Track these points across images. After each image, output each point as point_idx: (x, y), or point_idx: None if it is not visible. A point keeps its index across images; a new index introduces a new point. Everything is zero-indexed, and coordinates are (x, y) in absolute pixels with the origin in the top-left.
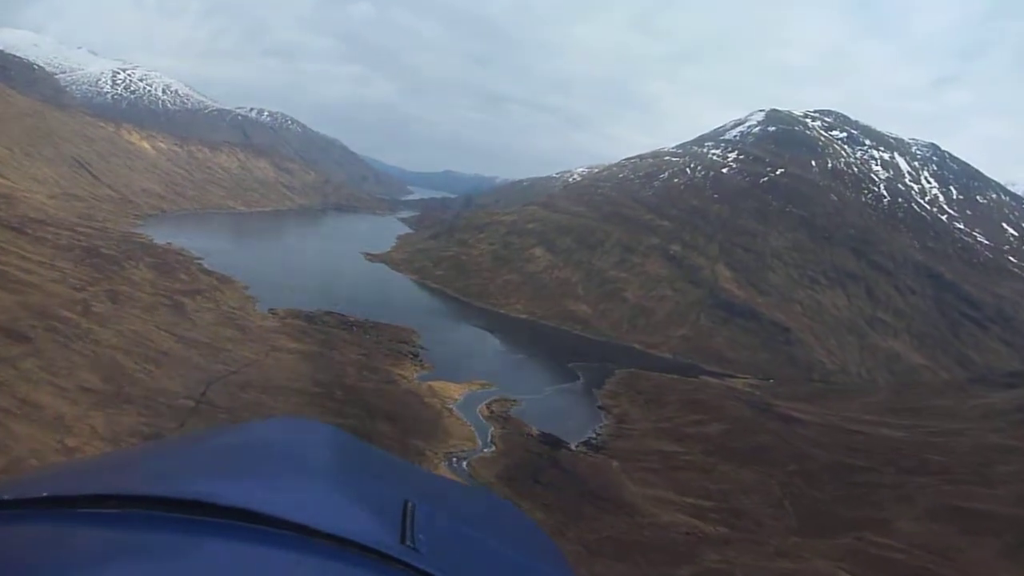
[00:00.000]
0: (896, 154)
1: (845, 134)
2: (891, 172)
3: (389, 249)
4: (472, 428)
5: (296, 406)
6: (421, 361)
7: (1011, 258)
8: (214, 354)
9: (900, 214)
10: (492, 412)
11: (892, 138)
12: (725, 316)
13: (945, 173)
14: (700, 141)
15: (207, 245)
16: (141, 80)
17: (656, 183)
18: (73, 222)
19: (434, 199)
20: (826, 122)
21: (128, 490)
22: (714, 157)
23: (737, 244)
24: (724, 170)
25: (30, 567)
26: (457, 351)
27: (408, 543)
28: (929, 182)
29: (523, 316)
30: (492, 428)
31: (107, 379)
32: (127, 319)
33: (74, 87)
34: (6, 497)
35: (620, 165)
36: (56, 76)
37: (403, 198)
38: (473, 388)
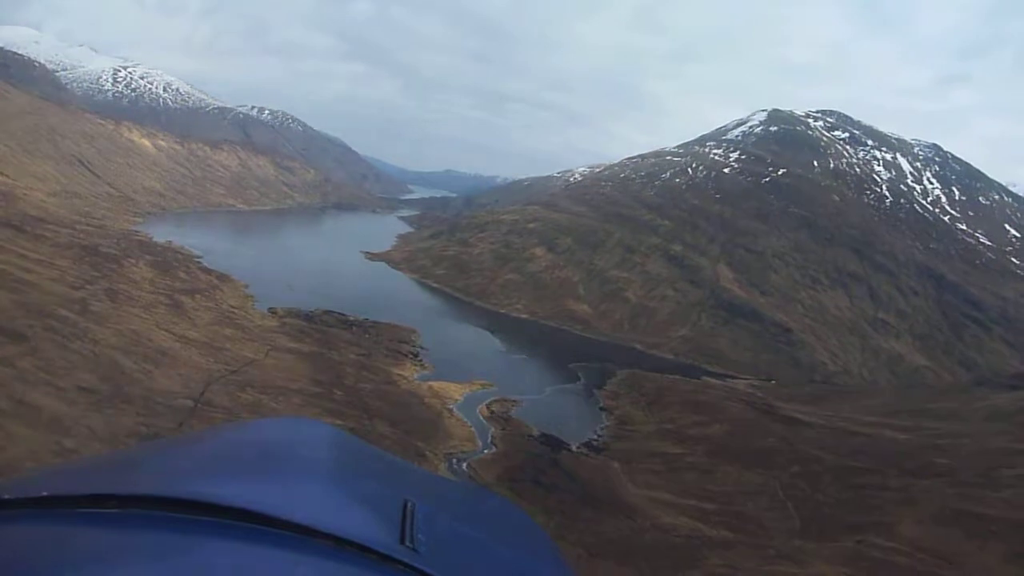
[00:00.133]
0: (898, 154)
1: (847, 134)
2: (893, 173)
3: (389, 248)
4: (472, 429)
5: (295, 406)
6: (421, 361)
7: (1013, 259)
8: (213, 353)
9: (902, 215)
10: (493, 413)
11: (894, 138)
12: (726, 316)
13: (947, 174)
14: (702, 141)
15: (207, 243)
16: (142, 78)
17: (657, 183)
18: (73, 220)
19: (434, 198)
20: (828, 122)
21: (128, 490)
22: (716, 157)
23: (739, 244)
24: (726, 170)
25: (30, 567)
26: (457, 351)
27: (408, 543)
28: (931, 183)
29: (524, 316)
30: (493, 429)
31: (105, 379)
32: (126, 318)
33: (75, 84)
34: (6, 497)
35: (621, 165)
36: (57, 73)
37: (403, 197)
38: (473, 388)
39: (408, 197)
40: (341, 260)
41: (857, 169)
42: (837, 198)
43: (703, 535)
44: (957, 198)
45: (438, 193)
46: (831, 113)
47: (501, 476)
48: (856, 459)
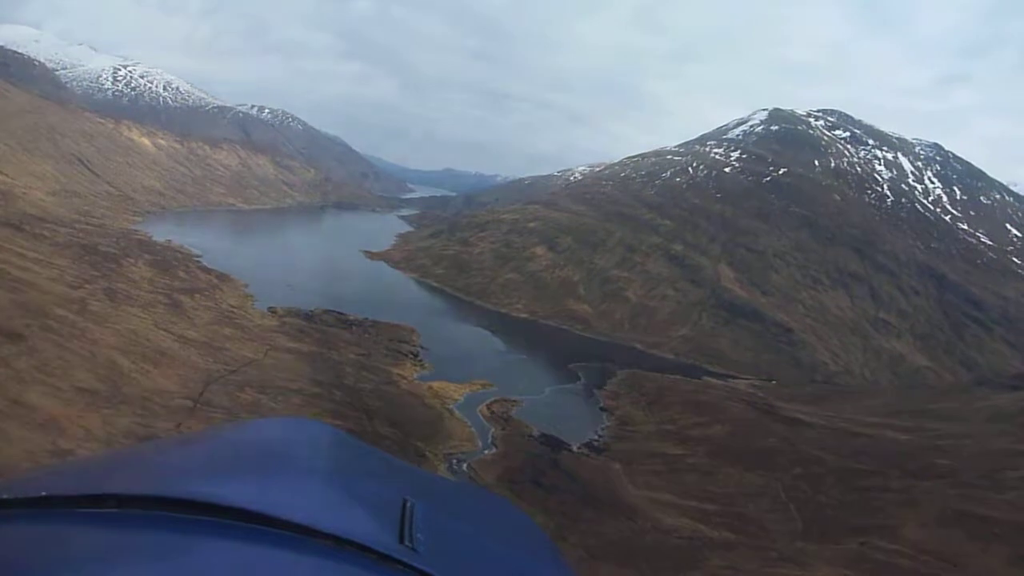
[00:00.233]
0: (899, 154)
1: (848, 134)
2: (894, 172)
3: (389, 247)
4: (473, 429)
5: (295, 407)
6: (421, 361)
7: (1015, 259)
8: (212, 353)
9: (903, 214)
10: (493, 413)
11: (895, 138)
12: (727, 316)
13: (948, 173)
14: (702, 140)
15: (206, 242)
16: (142, 77)
17: (658, 182)
18: (72, 219)
19: (434, 197)
20: (829, 121)
21: (127, 490)
22: (716, 156)
23: (739, 244)
24: (727, 169)
25: (29, 567)
26: (457, 351)
27: (407, 543)
28: (932, 182)
29: (524, 315)
30: (493, 429)
31: (103, 379)
32: (124, 317)
33: (75, 83)
34: (5, 497)
35: (622, 164)
36: (57, 72)
37: (403, 196)
38: (474, 388)
39: (408, 196)
40: (341, 259)
41: (858, 168)
42: (838, 197)
43: (704, 536)
44: (958, 198)
45: (438, 192)
46: (832, 112)
47: (501, 477)
48: (858, 460)
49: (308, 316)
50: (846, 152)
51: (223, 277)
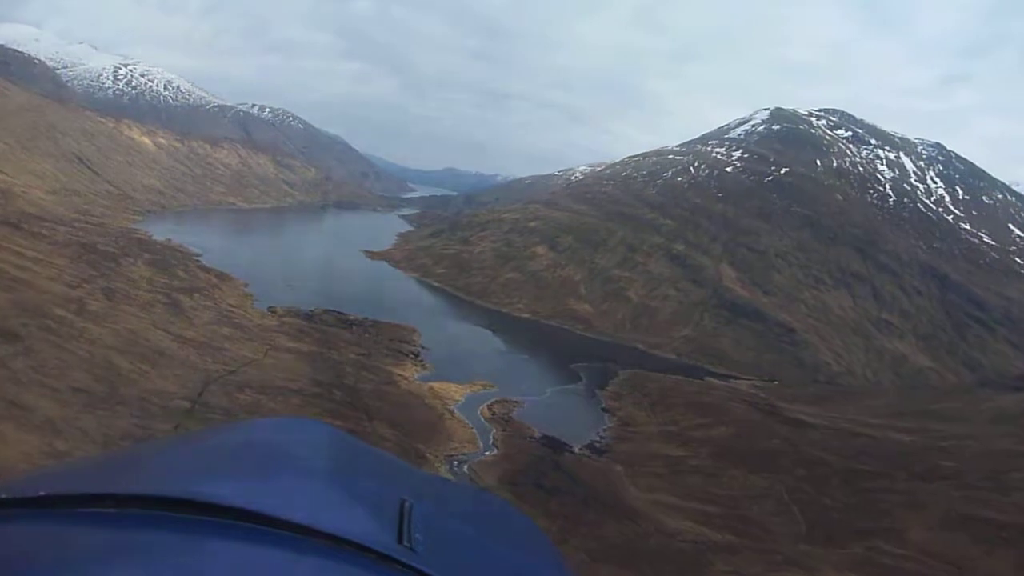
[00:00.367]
0: (902, 154)
1: (850, 133)
2: (896, 172)
3: (390, 247)
4: (474, 430)
5: (294, 408)
6: (422, 361)
7: (1017, 259)
8: (211, 353)
9: (905, 214)
10: (494, 414)
11: (898, 137)
12: (729, 316)
13: (951, 173)
14: (704, 139)
15: (206, 241)
16: (143, 76)
17: (659, 182)
18: (71, 218)
19: (435, 197)
20: (831, 121)
21: (125, 489)
22: (718, 156)
23: (741, 244)
24: (728, 169)
25: (28, 567)
26: (458, 351)
27: (405, 543)
28: (935, 182)
29: (525, 315)
30: (494, 430)
31: (100, 379)
32: (123, 317)
33: (75, 82)
34: (3, 497)
35: (623, 163)
36: (57, 71)
37: (404, 195)
38: (475, 389)
39: (409, 195)
40: (341, 259)
41: (860, 168)
42: (840, 197)
43: (708, 540)
44: (961, 197)
45: (439, 191)
46: (834, 112)
47: (502, 478)
48: (862, 462)
49: (308, 316)
50: (848, 152)
51: (223, 276)
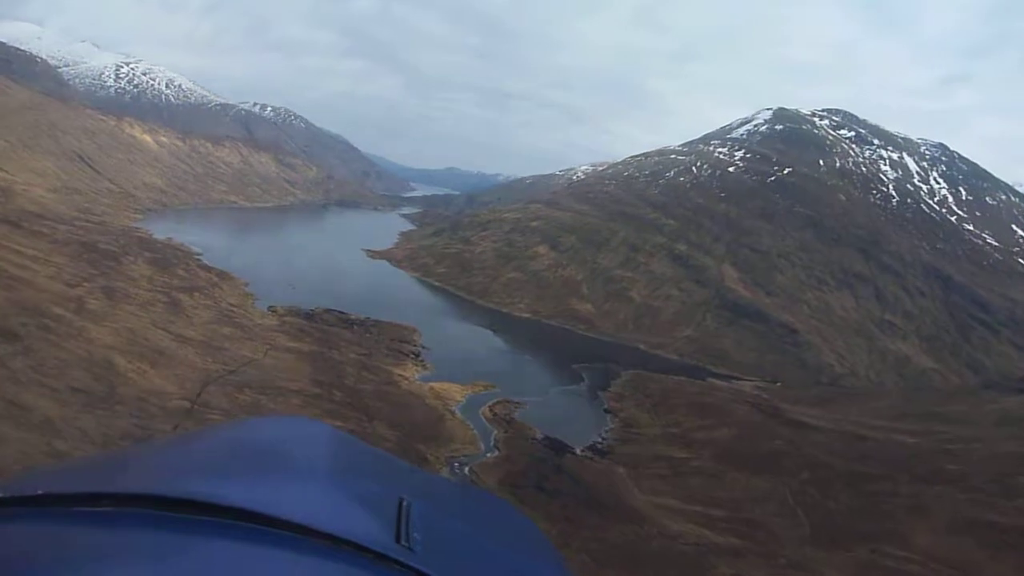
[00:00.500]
0: (905, 154)
1: (853, 133)
2: (900, 172)
3: (391, 246)
4: (475, 431)
5: (294, 408)
6: (423, 361)
7: (1021, 260)
8: (211, 353)
9: (909, 215)
10: (495, 415)
11: (901, 138)
12: (731, 317)
13: (954, 173)
14: (706, 139)
15: (207, 240)
16: (144, 74)
17: (662, 181)
18: (72, 216)
19: (436, 196)
20: (834, 121)
21: (124, 489)
22: (721, 156)
23: (744, 244)
24: (731, 169)
25: (26, 566)
26: (459, 351)
27: (403, 542)
28: (938, 182)
29: (526, 315)
30: (495, 431)
31: (99, 379)
32: (122, 316)
33: (77, 80)
34: (1, 495)
35: (625, 163)
36: (59, 69)
37: (405, 194)
38: (476, 389)
39: (410, 194)
40: (342, 258)
41: (863, 168)
42: (843, 197)
43: (711, 543)
44: (964, 198)
45: (440, 191)
46: (837, 112)
47: (504, 480)
48: (866, 464)
49: (309, 315)
50: (851, 152)
51: (223, 275)
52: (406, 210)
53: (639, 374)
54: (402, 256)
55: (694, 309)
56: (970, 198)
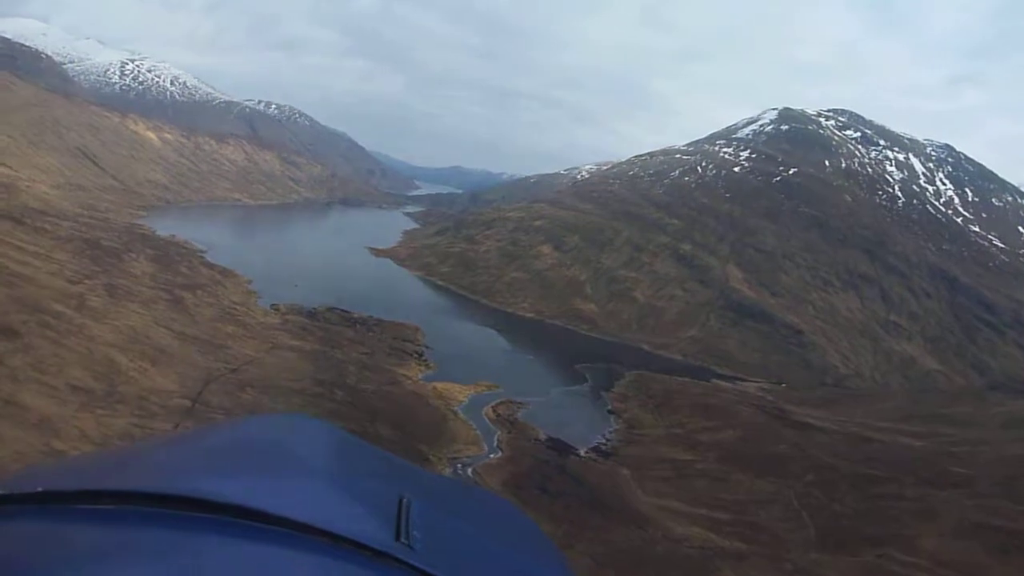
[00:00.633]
0: (911, 155)
1: (859, 134)
2: (905, 173)
3: (395, 244)
4: (478, 432)
5: (296, 407)
6: (426, 360)
7: None
8: (213, 351)
9: (915, 216)
10: (498, 415)
11: (907, 138)
12: (736, 317)
13: (960, 174)
14: (712, 139)
15: (210, 238)
16: (149, 71)
17: (667, 181)
18: (75, 212)
19: (441, 194)
20: (840, 121)
21: (124, 486)
22: (726, 156)
23: (748, 244)
24: (736, 169)
25: (26, 563)
26: (463, 350)
27: (403, 540)
28: (944, 183)
29: (530, 315)
30: (498, 432)
31: (99, 377)
32: (124, 314)
33: (82, 77)
34: (1, 493)
35: (630, 162)
36: (64, 66)
37: (409, 193)
38: (479, 390)
39: (414, 193)
40: (346, 256)
41: (869, 169)
42: (849, 198)
43: (716, 546)
44: (970, 199)
45: (444, 189)
46: (843, 112)
47: (507, 482)
48: (871, 467)
49: (311, 314)
50: (857, 152)
51: (226, 273)
52: (410, 208)
53: (643, 375)
54: (406, 255)
55: (698, 309)
56: (976, 199)
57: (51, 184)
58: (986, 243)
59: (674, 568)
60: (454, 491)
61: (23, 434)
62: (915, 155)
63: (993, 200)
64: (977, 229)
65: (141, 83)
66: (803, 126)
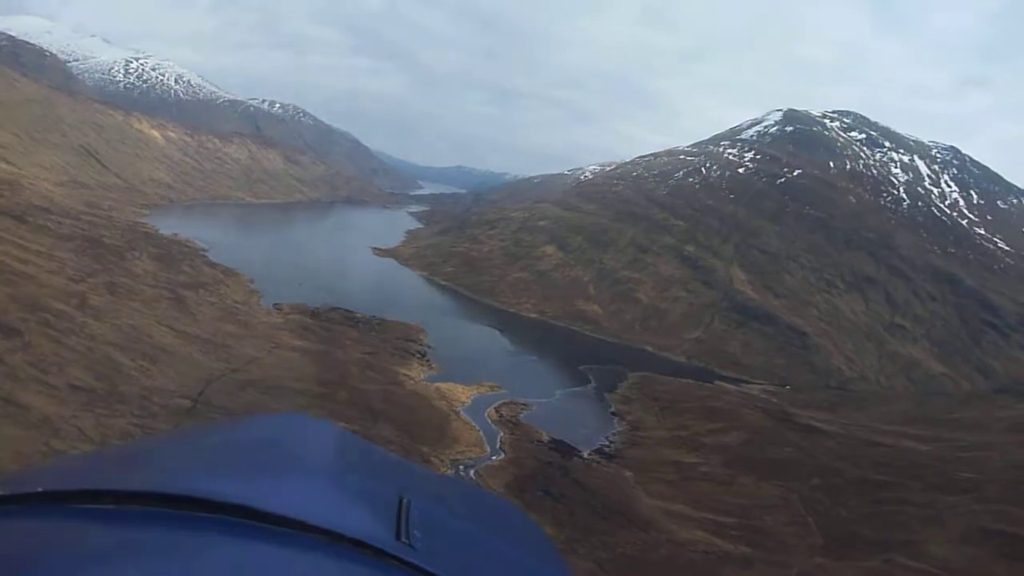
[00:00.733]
0: (916, 157)
1: (864, 135)
2: (910, 175)
3: (398, 244)
4: (481, 433)
5: (298, 408)
6: (428, 361)
7: None
8: (214, 351)
9: (920, 218)
10: (501, 416)
11: (912, 140)
12: (740, 319)
13: (965, 177)
14: (716, 140)
15: (213, 236)
16: (154, 69)
17: (671, 182)
18: (78, 210)
19: (444, 194)
20: (845, 123)
21: (124, 486)
22: (730, 156)
23: (752, 245)
24: (740, 170)
25: (27, 563)
26: (465, 351)
27: (403, 539)
28: (949, 186)
29: (533, 315)
30: (501, 433)
31: (100, 377)
32: (125, 313)
33: (87, 75)
34: (1, 493)
35: (634, 163)
36: (69, 64)
37: (413, 192)
38: (482, 390)
39: (418, 192)
40: (349, 256)
41: (874, 171)
42: (853, 200)
43: (721, 551)
44: (975, 202)
45: (448, 189)
46: (848, 114)
47: (510, 484)
48: (878, 471)
49: (314, 313)
50: (862, 154)
51: (228, 272)
52: (413, 208)
53: (646, 376)
54: (409, 254)
55: (702, 311)
56: (981, 202)
57: (54, 182)
58: (991, 246)
59: (678, 573)
60: (454, 490)
61: (22, 433)
62: (920, 157)
63: (998, 203)
64: (982, 232)
65: (145, 81)
66: (808, 127)
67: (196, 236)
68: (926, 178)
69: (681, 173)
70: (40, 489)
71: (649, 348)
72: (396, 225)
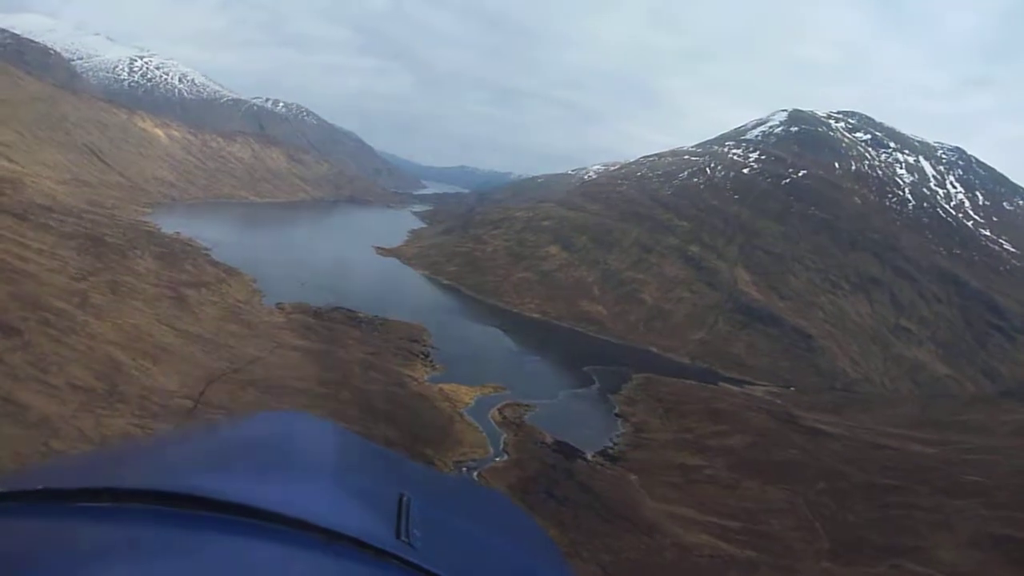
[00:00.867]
0: (921, 158)
1: (869, 136)
2: (916, 176)
3: (401, 243)
4: (484, 435)
5: (299, 408)
6: (432, 361)
7: None
8: (216, 350)
9: (925, 219)
10: (505, 418)
11: (917, 141)
12: (744, 320)
13: (971, 178)
14: (720, 140)
15: (216, 235)
16: (158, 68)
17: (675, 182)
18: (80, 209)
19: (448, 194)
20: (850, 123)
21: (123, 484)
22: (735, 157)
23: (757, 246)
24: (745, 170)
25: (26, 561)
26: (469, 351)
27: (403, 538)
28: (955, 187)
29: (537, 315)
30: (505, 435)
31: (100, 376)
32: (127, 312)
33: (90, 73)
34: (1, 490)
35: (638, 163)
36: (73, 62)
37: (416, 192)
38: (485, 391)
39: (421, 192)
40: (352, 255)
41: (879, 172)
42: (858, 201)
43: (726, 555)
44: (981, 203)
45: (452, 188)
46: (853, 114)
47: (513, 486)
48: (884, 475)
49: (316, 313)
50: (867, 155)
51: (231, 271)
52: (417, 208)
53: (650, 377)
54: (412, 254)
55: (706, 312)
56: (987, 203)
57: (57, 180)
58: (997, 247)
59: None
60: (454, 488)
61: (21, 433)
62: (926, 158)
63: (1004, 204)
64: (988, 233)
65: (149, 80)
66: (813, 128)
67: (199, 235)
68: (931, 179)
69: (685, 173)
70: (40, 487)
71: (653, 349)
72: (399, 224)
